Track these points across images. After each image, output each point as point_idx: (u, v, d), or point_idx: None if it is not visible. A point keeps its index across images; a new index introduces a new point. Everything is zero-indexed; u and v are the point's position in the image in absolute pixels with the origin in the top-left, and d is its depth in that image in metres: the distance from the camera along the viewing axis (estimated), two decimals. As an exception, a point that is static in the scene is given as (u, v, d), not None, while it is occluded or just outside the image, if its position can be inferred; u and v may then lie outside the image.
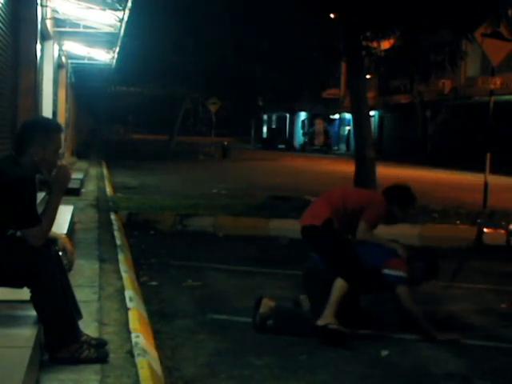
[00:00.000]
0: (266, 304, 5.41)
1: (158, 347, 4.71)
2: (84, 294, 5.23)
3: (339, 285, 5.27)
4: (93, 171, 20.02)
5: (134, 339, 4.31)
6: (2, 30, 8.36)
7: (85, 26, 14.61)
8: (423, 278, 5.56)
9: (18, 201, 3.67)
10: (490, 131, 13.05)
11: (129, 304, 5.15)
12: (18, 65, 9.66)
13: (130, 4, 11.21)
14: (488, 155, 12.20)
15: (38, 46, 10.74)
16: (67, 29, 15.23)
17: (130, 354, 4.06)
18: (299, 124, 58.58)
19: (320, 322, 5.17)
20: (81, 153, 26.48)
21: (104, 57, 20.33)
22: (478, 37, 11.98)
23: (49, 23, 13.22)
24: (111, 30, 14.23)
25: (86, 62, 21.74)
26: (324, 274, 5.47)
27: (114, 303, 5.22)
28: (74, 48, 18.79)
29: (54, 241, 3.96)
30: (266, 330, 5.35)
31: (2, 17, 8.32)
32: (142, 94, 47.39)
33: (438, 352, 5.10)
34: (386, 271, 5.35)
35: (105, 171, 20.63)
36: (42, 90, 13.62)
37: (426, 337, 5.32)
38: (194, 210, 11.61)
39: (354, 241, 5.66)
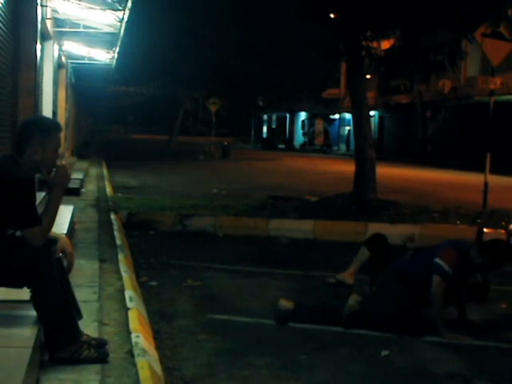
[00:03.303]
0: (354, 298, 5.60)
1: (158, 347, 4.71)
2: (84, 294, 5.22)
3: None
4: (93, 171, 20.01)
5: (134, 339, 4.30)
6: (2, 29, 8.35)
7: (85, 26, 14.61)
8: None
9: (18, 201, 3.67)
10: (490, 131, 13.04)
11: (129, 304, 5.14)
12: (18, 65, 9.64)
13: (129, 4, 11.20)
14: (488, 155, 12.20)
15: (38, 46, 10.72)
16: (67, 29, 15.22)
17: (130, 354, 4.05)
18: (299, 124, 58.55)
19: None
20: (81, 153, 26.45)
21: (104, 57, 20.31)
22: (478, 37, 11.99)
23: (49, 23, 13.21)
24: (111, 29, 14.22)
25: (85, 62, 21.72)
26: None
27: (113, 303, 5.22)
28: (74, 48, 18.77)
29: (53, 241, 3.96)
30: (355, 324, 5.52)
31: (2, 17, 8.31)
32: (142, 94, 47.44)
33: (438, 352, 5.11)
34: (437, 260, 5.58)
35: (105, 171, 20.61)
36: (42, 90, 13.62)
37: (435, 331, 5.42)
38: (194, 210, 11.62)
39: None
